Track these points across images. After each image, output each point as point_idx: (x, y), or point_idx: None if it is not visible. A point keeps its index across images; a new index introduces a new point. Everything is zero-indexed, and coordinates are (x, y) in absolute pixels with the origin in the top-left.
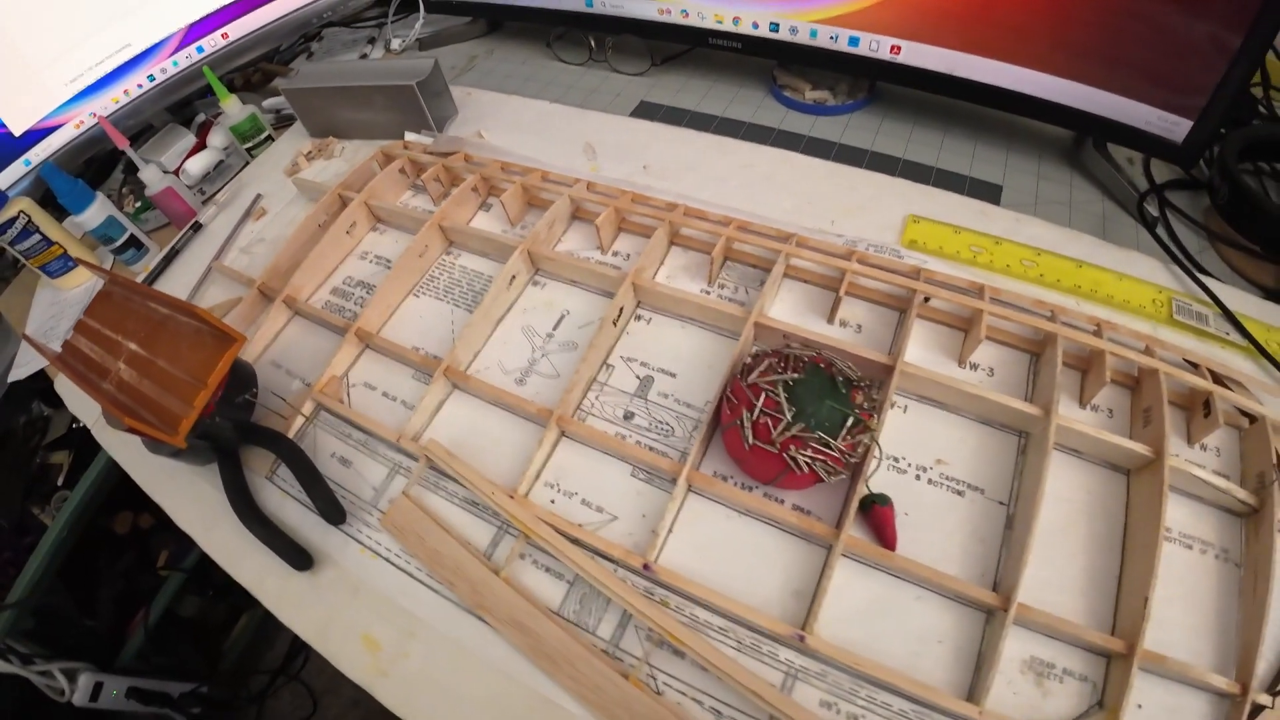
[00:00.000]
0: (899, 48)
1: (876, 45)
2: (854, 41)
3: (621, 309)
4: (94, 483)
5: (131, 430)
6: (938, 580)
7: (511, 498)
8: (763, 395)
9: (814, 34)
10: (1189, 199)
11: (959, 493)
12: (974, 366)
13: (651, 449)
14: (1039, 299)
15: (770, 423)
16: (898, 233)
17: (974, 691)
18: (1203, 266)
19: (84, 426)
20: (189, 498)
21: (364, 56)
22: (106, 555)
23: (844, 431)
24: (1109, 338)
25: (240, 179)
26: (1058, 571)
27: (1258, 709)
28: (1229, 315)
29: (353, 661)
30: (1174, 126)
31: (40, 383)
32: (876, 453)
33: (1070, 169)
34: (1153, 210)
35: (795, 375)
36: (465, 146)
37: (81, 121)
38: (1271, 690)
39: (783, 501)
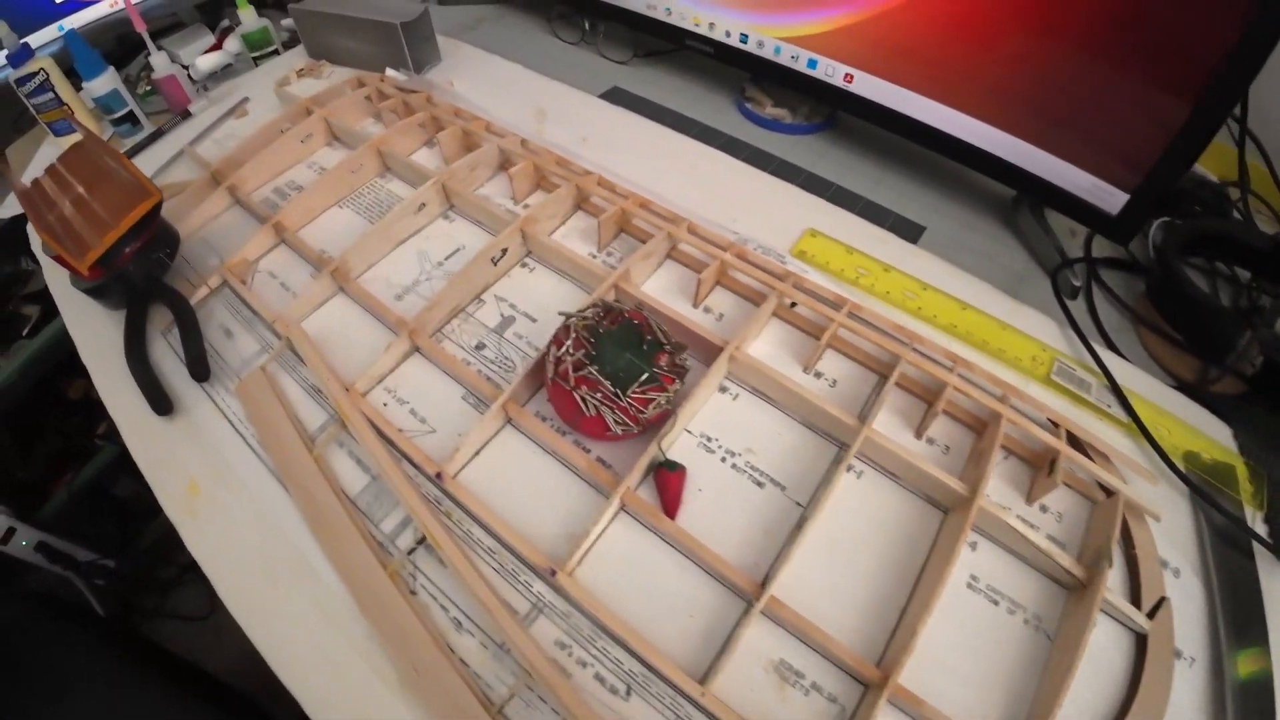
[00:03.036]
0: (852, 76)
1: (832, 71)
2: (812, 64)
3: (506, 250)
4: (53, 336)
5: (55, 258)
6: (704, 556)
7: (347, 391)
8: (572, 336)
9: (778, 50)
10: (1124, 281)
11: (759, 483)
12: (818, 374)
13: (489, 379)
14: (902, 325)
15: (571, 363)
16: (793, 242)
17: (707, 673)
18: (1114, 344)
19: None
20: (97, 338)
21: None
22: (55, 415)
23: (636, 384)
24: (960, 374)
25: (237, 82)
26: (840, 587)
27: None
28: (1114, 386)
29: (173, 499)
30: (1109, 197)
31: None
32: (674, 419)
33: (1002, 226)
34: (1076, 281)
35: (608, 325)
36: (433, 90)
37: (116, 1)
38: None
39: (589, 451)
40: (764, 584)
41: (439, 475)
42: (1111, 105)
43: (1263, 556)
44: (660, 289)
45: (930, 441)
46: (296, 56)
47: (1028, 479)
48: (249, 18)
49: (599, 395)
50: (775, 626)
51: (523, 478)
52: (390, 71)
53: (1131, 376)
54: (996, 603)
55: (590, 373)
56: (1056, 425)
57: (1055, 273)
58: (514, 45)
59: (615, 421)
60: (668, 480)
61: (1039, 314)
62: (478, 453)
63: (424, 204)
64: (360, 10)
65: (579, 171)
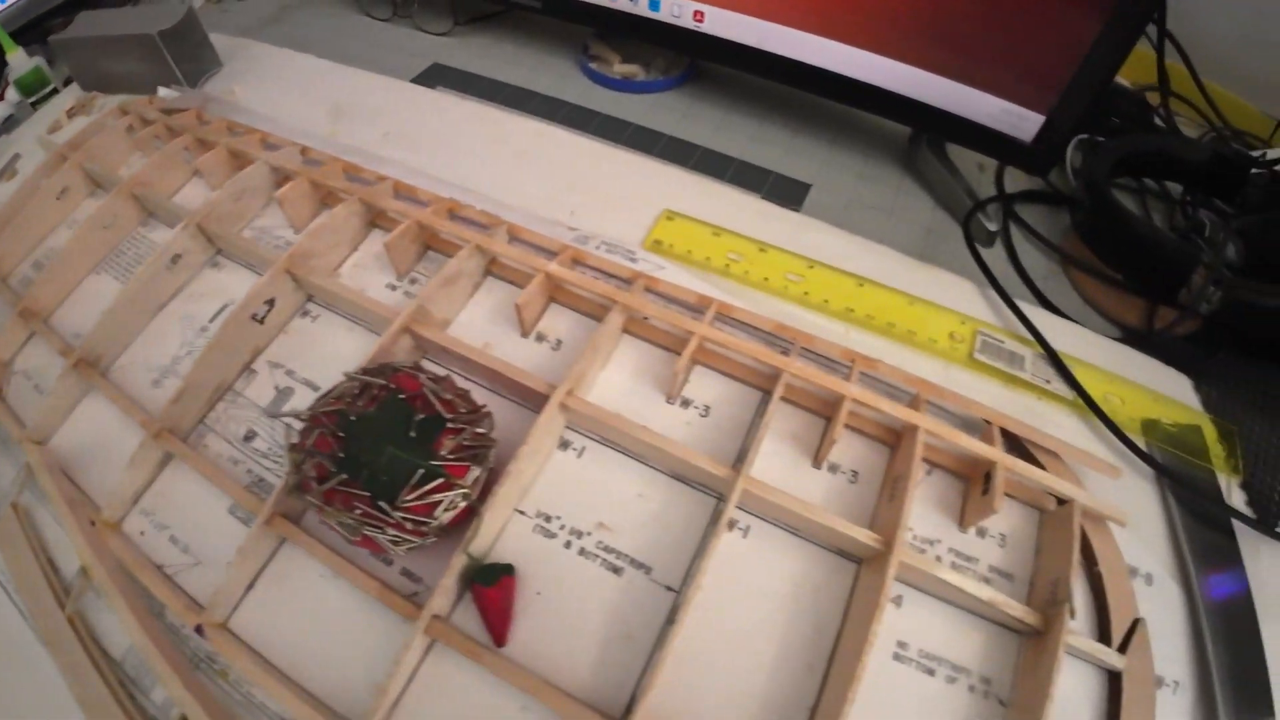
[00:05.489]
0: (702, 14)
1: (679, 10)
2: (654, 5)
3: (273, 300)
4: None
5: None
6: (547, 695)
7: (93, 524)
8: (316, 433)
9: None
10: (1045, 217)
11: (616, 569)
12: (686, 403)
13: (262, 481)
14: (784, 324)
15: (317, 470)
16: (646, 231)
17: None
18: (1043, 295)
19: None
20: None
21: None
22: None
23: (410, 489)
24: (860, 376)
25: (14, 136)
26: (734, 687)
27: None
28: (1051, 355)
29: None
30: (1021, 122)
31: None
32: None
33: (902, 172)
34: (991, 226)
35: (363, 407)
36: (208, 104)
37: None
38: None
39: (391, 564)
40: (631, 705)
41: (199, 628)
42: (1015, 13)
43: (1246, 535)
44: (480, 320)
45: (834, 469)
46: (73, 93)
47: (959, 497)
48: (18, 60)
49: (359, 512)
50: None
51: (314, 611)
52: (163, 91)
53: (1069, 336)
54: (932, 672)
55: (341, 485)
56: (989, 424)
57: (967, 219)
58: (322, 33)
59: (392, 541)
60: (486, 597)
61: (953, 275)
62: (251, 586)
63: (178, 255)
64: (117, 26)
65: (372, 180)
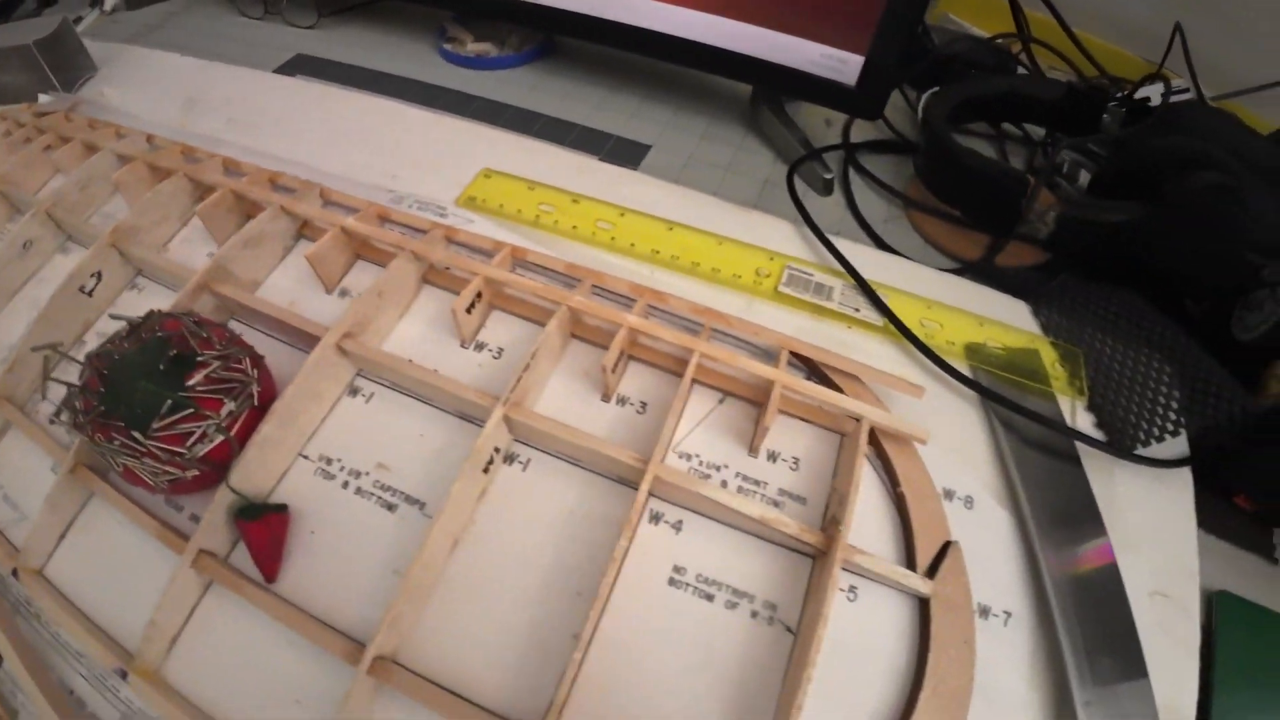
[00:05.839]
0: None
1: None
2: None
3: (100, 274)
4: None
5: None
6: (308, 628)
7: None
8: (88, 373)
9: None
10: (896, 166)
11: (390, 506)
12: (480, 346)
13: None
14: (576, 265)
15: (84, 405)
16: (463, 189)
17: None
18: (882, 239)
19: None
20: None
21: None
22: None
23: (160, 420)
24: (648, 309)
25: None
26: (500, 615)
27: None
28: (860, 282)
29: None
30: (843, 66)
31: None
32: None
33: (745, 130)
34: (827, 174)
35: (130, 348)
36: (81, 105)
37: None
38: None
39: (182, 510)
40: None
41: (15, 572)
42: None
43: (1093, 457)
44: (289, 281)
45: (623, 402)
46: None
47: (752, 424)
48: None
49: (117, 443)
50: (394, 699)
51: (115, 558)
52: (43, 98)
53: (896, 270)
54: (711, 597)
55: (100, 417)
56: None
57: (793, 168)
58: (198, 35)
59: (152, 474)
60: (248, 533)
61: (771, 217)
62: (64, 535)
63: (29, 241)
64: (1, 39)
65: (204, 158)
